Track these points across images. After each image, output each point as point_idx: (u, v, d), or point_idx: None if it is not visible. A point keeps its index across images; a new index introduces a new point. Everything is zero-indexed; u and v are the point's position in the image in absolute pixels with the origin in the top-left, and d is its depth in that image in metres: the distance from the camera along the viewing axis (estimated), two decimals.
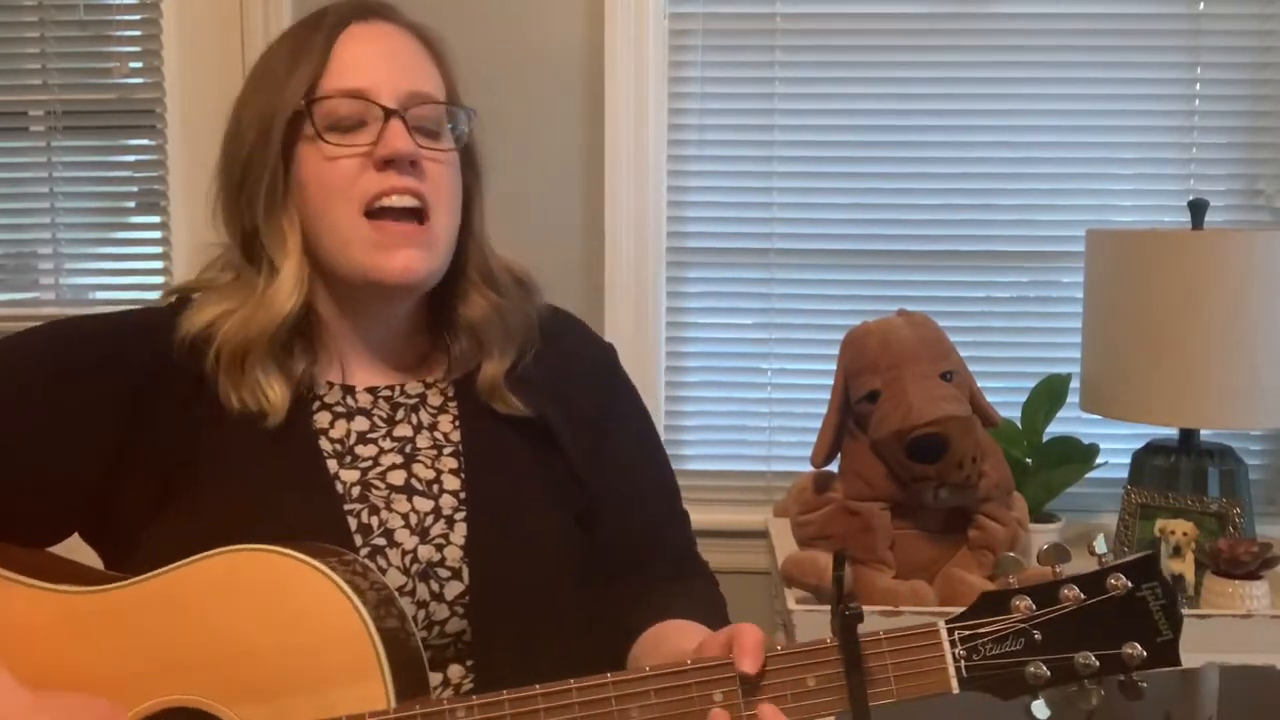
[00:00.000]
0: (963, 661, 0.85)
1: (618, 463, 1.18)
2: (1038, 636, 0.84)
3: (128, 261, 2.36)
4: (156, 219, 2.31)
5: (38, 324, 1.08)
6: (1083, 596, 0.84)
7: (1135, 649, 0.83)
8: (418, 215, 1.05)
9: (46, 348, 1.05)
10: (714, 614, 1.13)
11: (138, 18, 2.26)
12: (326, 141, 1.03)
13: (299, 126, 1.04)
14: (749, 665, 0.86)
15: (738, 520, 2.20)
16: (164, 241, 2.29)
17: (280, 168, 1.05)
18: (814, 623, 1.70)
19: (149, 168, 2.30)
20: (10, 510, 1.02)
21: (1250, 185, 2.20)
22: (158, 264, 2.31)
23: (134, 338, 1.07)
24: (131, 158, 2.34)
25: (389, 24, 1.09)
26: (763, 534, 2.18)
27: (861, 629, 1.74)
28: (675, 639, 1.05)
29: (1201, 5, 2.17)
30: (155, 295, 2.28)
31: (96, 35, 2.27)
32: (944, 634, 0.86)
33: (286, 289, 1.04)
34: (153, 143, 2.28)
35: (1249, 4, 2.16)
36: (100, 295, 2.36)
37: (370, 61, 1.06)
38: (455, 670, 1.05)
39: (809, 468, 1.86)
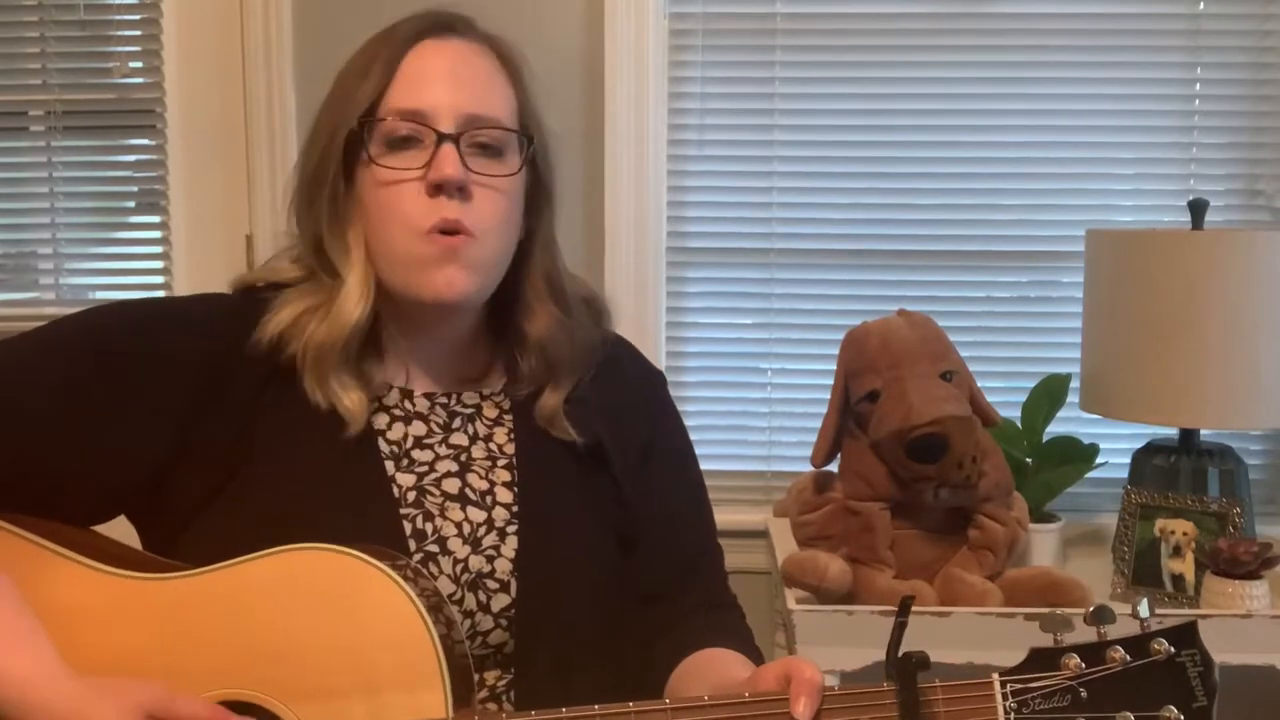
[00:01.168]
0: (1013, 714, 0.87)
1: (659, 490, 1.18)
2: (1084, 694, 0.87)
3: (128, 261, 2.36)
4: (156, 219, 2.30)
5: (112, 303, 1.09)
6: (1128, 658, 0.87)
7: (1172, 712, 0.86)
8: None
9: (124, 325, 1.06)
10: (747, 648, 1.13)
11: (138, 18, 2.26)
12: (379, 165, 1.03)
13: (358, 144, 1.04)
14: (804, 712, 0.87)
15: (738, 520, 2.19)
16: (164, 241, 2.29)
17: (340, 184, 1.05)
18: (814, 623, 1.69)
19: (149, 168, 2.29)
20: (73, 483, 1.02)
21: (1250, 185, 2.20)
22: (158, 264, 2.30)
23: (209, 324, 1.07)
24: (131, 158, 2.33)
25: (464, 40, 1.08)
26: (763, 534, 2.18)
27: (864, 626, 1.74)
28: (721, 668, 1.06)
29: (1201, 5, 2.17)
30: (155, 296, 2.29)
31: (96, 35, 2.26)
32: (998, 686, 0.88)
33: (353, 299, 1.05)
34: (153, 143, 2.28)
35: (1249, 4, 2.16)
36: (100, 295, 2.35)
37: (433, 82, 1.04)
38: (491, 675, 1.06)
39: (809, 468, 1.86)
